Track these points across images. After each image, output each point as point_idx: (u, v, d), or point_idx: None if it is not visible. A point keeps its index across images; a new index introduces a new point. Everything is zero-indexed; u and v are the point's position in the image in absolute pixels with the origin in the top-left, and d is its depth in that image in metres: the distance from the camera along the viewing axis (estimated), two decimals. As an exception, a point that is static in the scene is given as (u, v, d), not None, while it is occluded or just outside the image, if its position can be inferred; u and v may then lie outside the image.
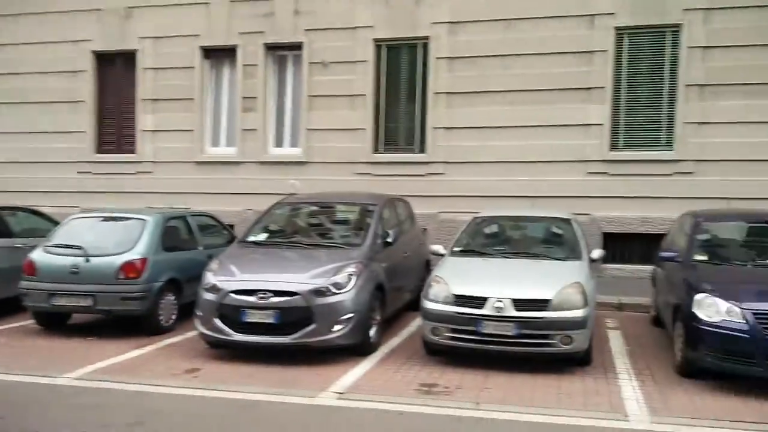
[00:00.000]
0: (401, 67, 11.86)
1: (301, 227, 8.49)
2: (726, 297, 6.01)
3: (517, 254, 7.48)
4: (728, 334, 5.85)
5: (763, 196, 9.93)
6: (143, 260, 7.77)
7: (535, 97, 11.05)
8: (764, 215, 8.01)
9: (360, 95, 11.81)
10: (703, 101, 10.51)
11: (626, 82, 10.90)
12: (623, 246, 10.77)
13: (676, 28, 10.63)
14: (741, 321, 5.83)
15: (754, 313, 5.80)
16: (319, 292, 6.58)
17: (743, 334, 5.79)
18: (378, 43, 11.82)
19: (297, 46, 12.19)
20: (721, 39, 10.41)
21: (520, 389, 5.96)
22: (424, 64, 11.63)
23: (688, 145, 10.56)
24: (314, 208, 8.77)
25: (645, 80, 10.87)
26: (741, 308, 5.87)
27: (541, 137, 11.02)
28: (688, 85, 10.55)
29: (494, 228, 8.43)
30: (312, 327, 6.52)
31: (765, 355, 5.70)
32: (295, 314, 6.52)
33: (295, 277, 6.71)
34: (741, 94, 10.33)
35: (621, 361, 6.83)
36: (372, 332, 7.00)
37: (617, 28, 10.81)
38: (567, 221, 8.04)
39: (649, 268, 9.11)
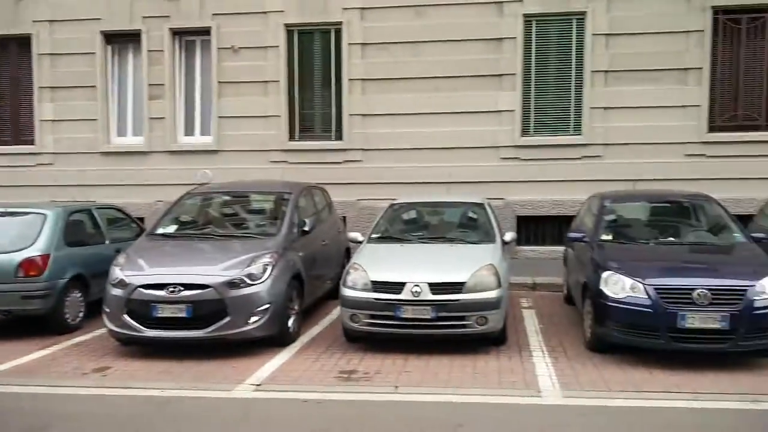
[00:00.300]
0: (315, 53, 11.69)
1: (213, 218, 8.24)
2: (630, 274, 6.28)
3: (433, 239, 7.61)
4: (633, 309, 6.11)
5: (665, 176, 10.44)
6: (44, 257, 7.34)
7: (448, 83, 11.15)
8: (666, 195, 8.46)
9: (273, 81, 11.57)
10: (608, 87, 10.91)
11: (535, 69, 11.17)
12: (536, 228, 11.10)
13: (581, 16, 10.97)
14: (644, 296, 6.10)
15: (656, 289, 6.09)
16: (233, 284, 6.41)
17: (647, 308, 6.06)
18: (289, 29, 11.59)
19: (205, 31, 11.79)
20: (623, 26, 10.82)
21: (437, 371, 6.03)
22: (338, 50, 11.51)
23: (594, 129, 10.95)
24: (227, 197, 8.53)
25: (553, 67, 11.18)
26: (644, 284, 6.14)
27: (455, 124, 11.14)
28: (594, 71, 10.92)
29: (411, 214, 8.51)
30: (227, 320, 6.35)
31: (667, 328, 5.99)
32: (209, 307, 6.33)
33: (207, 270, 6.52)
34: (643, 80, 10.79)
35: (535, 339, 7.03)
36: (290, 322, 6.90)
37: (525, 15, 11.05)
38: (480, 206, 8.19)
39: (561, 248, 9.40)
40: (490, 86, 11.12)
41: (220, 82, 11.72)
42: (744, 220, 8.37)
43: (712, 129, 10.79)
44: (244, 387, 5.68)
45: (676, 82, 10.76)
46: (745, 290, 5.96)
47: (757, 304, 5.89)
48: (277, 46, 11.55)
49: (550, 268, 9.70)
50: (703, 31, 10.67)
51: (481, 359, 6.36)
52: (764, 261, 6.48)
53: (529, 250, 11.03)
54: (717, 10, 10.69)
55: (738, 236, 7.09)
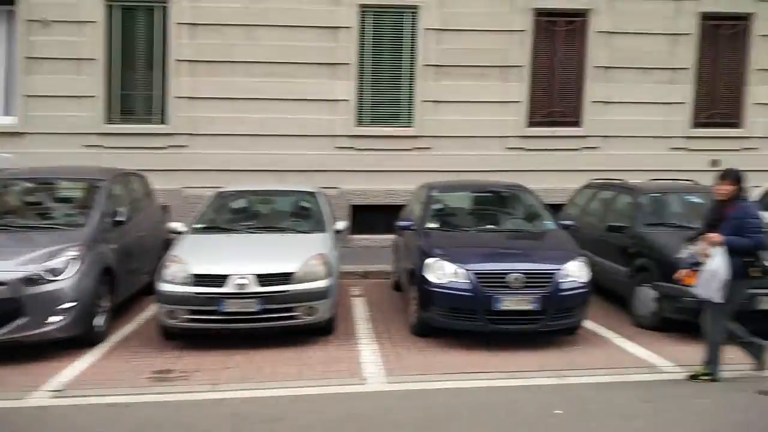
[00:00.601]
0: (138, 31, 10.85)
1: (12, 207, 7.30)
2: (453, 260, 6.48)
3: (262, 229, 7.38)
4: (455, 293, 6.32)
5: (489, 168, 10.92)
6: None
7: (283, 70, 10.86)
8: (486, 185, 8.86)
9: (89, 59, 10.57)
10: (439, 81, 11.21)
11: (371, 60, 11.21)
12: (370, 217, 11.15)
13: (414, 10, 11.16)
14: (465, 281, 6.32)
15: (476, 274, 6.33)
16: (31, 281, 5.72)
17: (467, 293, 6.29)
18: (109, 3, 10.66)
19: (9, 1, 10.51)
20: (453, 23, 11.14)
21: (261, 365, 5.82)
22: (164, 29, 10.78)
23: (425, 122, 11.21)
24: (30, 184, 7.61)
25: (388, 58, 11.27)
26: (466, 270, 6.36)
27: (290, 111, 10.89)
28: (426, 65, 11.16)
29: (239, 203, 8.21)
30: (23, 320, 5.66)
31: (485, 311, 6.25)
32: (1, 307, 5.60)
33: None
34: (470, 76, 11.19)
35: (363, 327, 7.03)
36: (99, 321, 6.30)
37: (361, 6, 11.03)
38: (312, 194, 8.08)
39: (394, 237, 9.51)
40: (325, 74, 10.99)
41: (27, 57, 10.52)
42: (557, 209, 9.00)
43: (531, 124, 11.46)
44: (41, 394, 5.09)
45: (500, 78, 11.29)
46: (553, 273, 6.36)
47: (563, 286, 6.32)
48: (95, 22, 10.58)
49: (382, 256, 9.77)
50: (525, 31, 11.29)
51: (308, 350, 6.24)
52: (570, 246, 6.96)
53: (362, 238, 11.08)
54: (538, 12, 11.35)
55: (549, 224, 7.56)
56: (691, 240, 5.66)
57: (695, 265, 5.44)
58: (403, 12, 11.20)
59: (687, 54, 11.46)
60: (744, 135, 11.65)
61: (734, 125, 11.73)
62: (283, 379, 5.51)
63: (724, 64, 11.68)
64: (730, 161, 11.14)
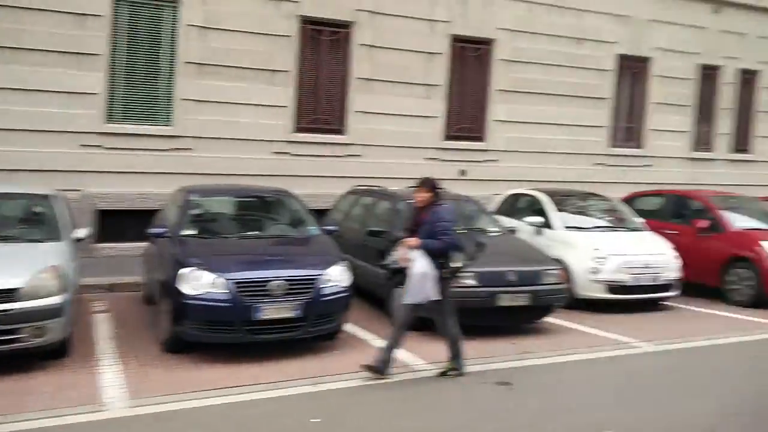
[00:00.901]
0: None
1: None
2: (211, 269, 6.09)
3: (-22, 237, 6.27)
4: (211, 305, 5.95)
5: (255, 172, 10.55)
6: None
7: (16, 56, 9.44)
8: (250, 190, 8.55)
9: None
10: (201, 80, 10.61)
11: (125, 52, 10.24)
12: (120, 223, 10.15)
13: (174, 4, 10.47)
14: (224, 291, 5.98)
15: (236, 282, 6.02)
16: None
17: (225, 303, 5.95)
18: None
19: None
20: (217, 21, 10.62)
21: (-29, 400, 4.87)
22: None
23: (186, 121, 10.54)
24: None
25: (144, 52, 10.40)
26: (225, 279, 6.02)
27: (23, 103, 9.46)
28: (187, 62, 10.52)
29: (-49, 207, 6.90)
30: None
31: (244, 321, 5.97)
32: None
33: None
34: (235, 77, 10.76)
35: (106, 347, 6.29)
36: None
37: (115, -6, 10.08)
38: (46, 197, 7.08)
39: (146, 245, 8.76)
40: (69, 64, 9.76)
41: None
42: (323, 214, 9.01)
43: (297, 129, 11.38)
44: None
45: (266, 81, 11.03)
46: (315, 279, 6.28)
47: (324, 291, 6.28)
48: None
49: (133, 266, 8.94)
50: (290, 36, 11.18)
51: (35, 377, 5.41)
52: (333, 251, 6.96)
53: (110, 247, 10.02)
54: (303, 20, 11.31)
55: (313, 229, 7.49)
56: (394, 245, 5.95)
57: (399, 271, 5.70)
58: (163, 5, 10.45)
59: (439, 72, 12.32)
60: (486, 148, 12.83)
61: (479, 139, 12.87)
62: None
63: (471, 82, 12.77)
64: (475, 171, 12.37)
